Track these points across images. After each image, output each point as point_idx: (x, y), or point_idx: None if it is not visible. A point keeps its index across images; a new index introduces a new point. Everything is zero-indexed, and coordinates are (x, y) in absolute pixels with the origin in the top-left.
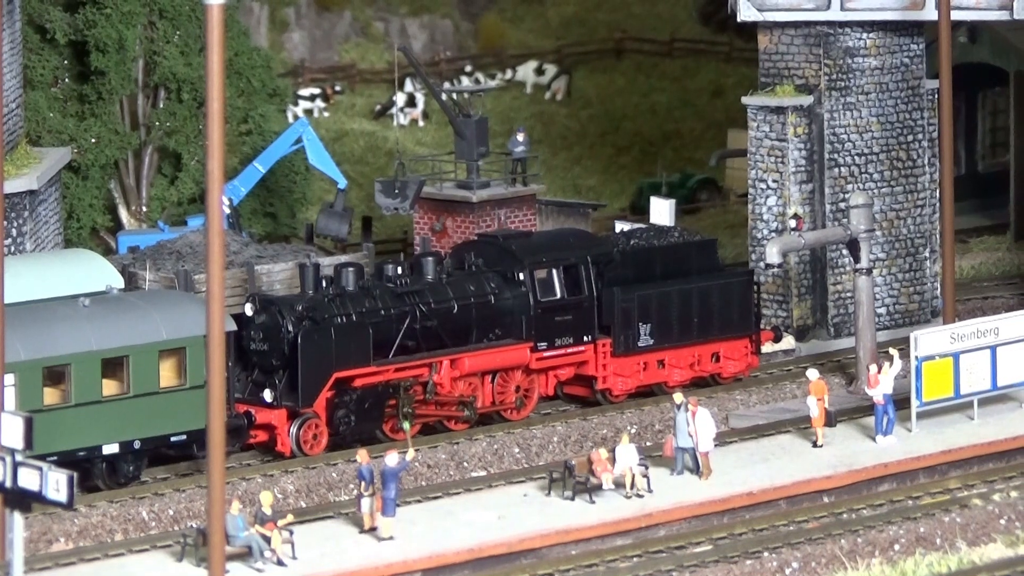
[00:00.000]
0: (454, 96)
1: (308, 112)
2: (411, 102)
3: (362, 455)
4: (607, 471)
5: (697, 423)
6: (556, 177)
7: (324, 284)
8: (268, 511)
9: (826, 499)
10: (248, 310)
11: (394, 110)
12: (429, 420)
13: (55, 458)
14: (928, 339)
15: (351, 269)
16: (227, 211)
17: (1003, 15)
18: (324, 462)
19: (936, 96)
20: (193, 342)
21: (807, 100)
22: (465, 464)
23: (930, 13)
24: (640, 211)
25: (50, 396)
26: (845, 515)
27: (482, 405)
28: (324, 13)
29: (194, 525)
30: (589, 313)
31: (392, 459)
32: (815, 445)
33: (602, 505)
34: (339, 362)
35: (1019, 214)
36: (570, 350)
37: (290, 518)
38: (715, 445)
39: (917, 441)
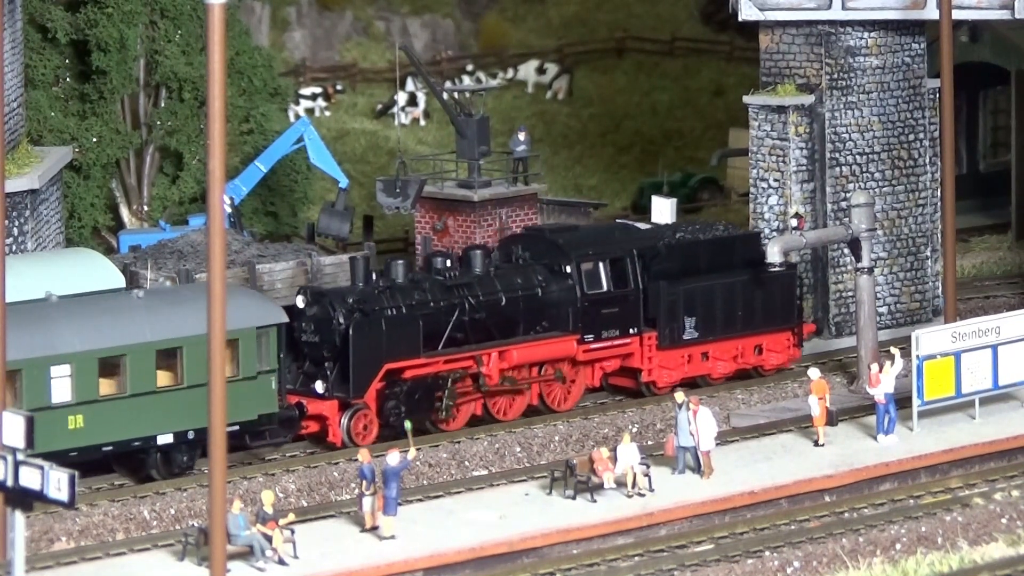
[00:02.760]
0: (455, 95)
1: (309, 111)
2: (412, 101)
3: (363, 454)
4: (608, 470)
5: (698, 422)
6: (557, 176)
7: (374, 276)
8: (269, 510)
9: (827, 498)
10: (300, 302)
11: (395, 109)
12: (485, 410)
13: (111, 448)
14: (929, 338)
15: (400, 262)
16: (228, 210)
17: (1004, 14)
18: (326, 461)
19: (937, 95)
20: (245, 334)
21: (808, 99)
22: (466, 463)
23: (931, 12)
24: (642, 210)
25: (105, 387)
26: (847, 514)
27: (531, 399)
28: (325, 12)
29: (195, 524)
30: (635, 306)
31: (394, 458)
32: (816, 444)
33: (603, 504)
34: (390, 354)
35: (1020, 213)
36: (616, 342)
37: (291, 517)
38: (716, 444)
39: (918, 440)
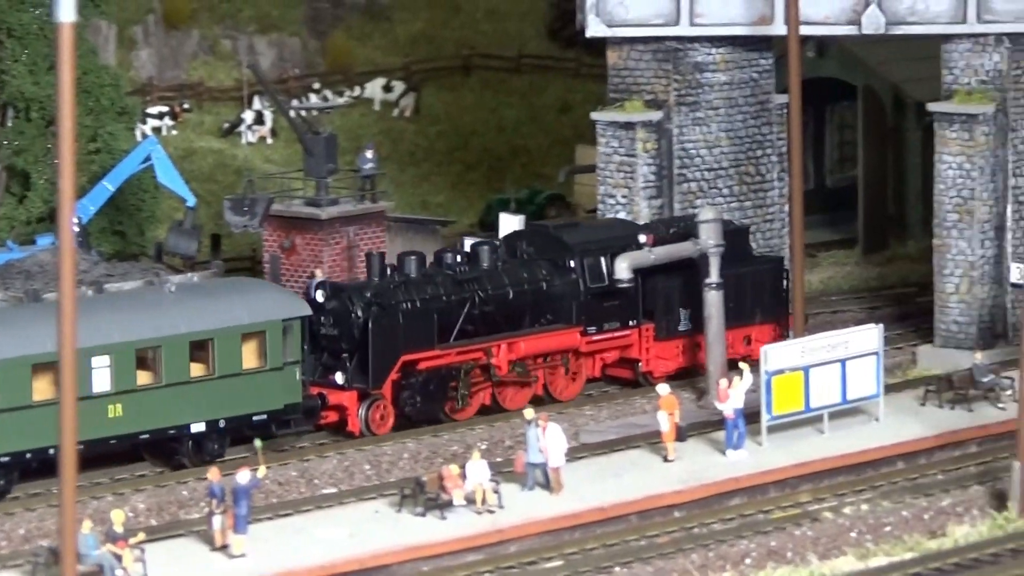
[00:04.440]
0: (302, 113)
1: (157, 130)
2: (259, 120)
3: (213, 473)
4: (458, 487)
5: (548, 438)
6: (405, 194)
7: (389, 271)
8: (120, 529)
9: (677, 513)
10: (319, 296)
11: (242, 128)
12: (487, 400)
13: (147, 436)
14: (778, 353)
15: (413, 257)
16: (76, 230)
17: (851, 30)
18: (175, 480)
19: (785, 111)
20: (272, 326)
21: (656, 115)
22: (316, 481)
23: (779, 28)
24: (489, 227)
25: (142, 377)
26: (696, 529)
27: (536, 388)
28: (172, 31)
29: (45, 544)
30: (634, 299)
31: (243, 476)
32: (666, 460)
33: (453, 521)
34: (406, 346)
35: (868, 228)
36: (616, 334)
37: (141, 536)
38: (566, 460)
39: (768, 455)
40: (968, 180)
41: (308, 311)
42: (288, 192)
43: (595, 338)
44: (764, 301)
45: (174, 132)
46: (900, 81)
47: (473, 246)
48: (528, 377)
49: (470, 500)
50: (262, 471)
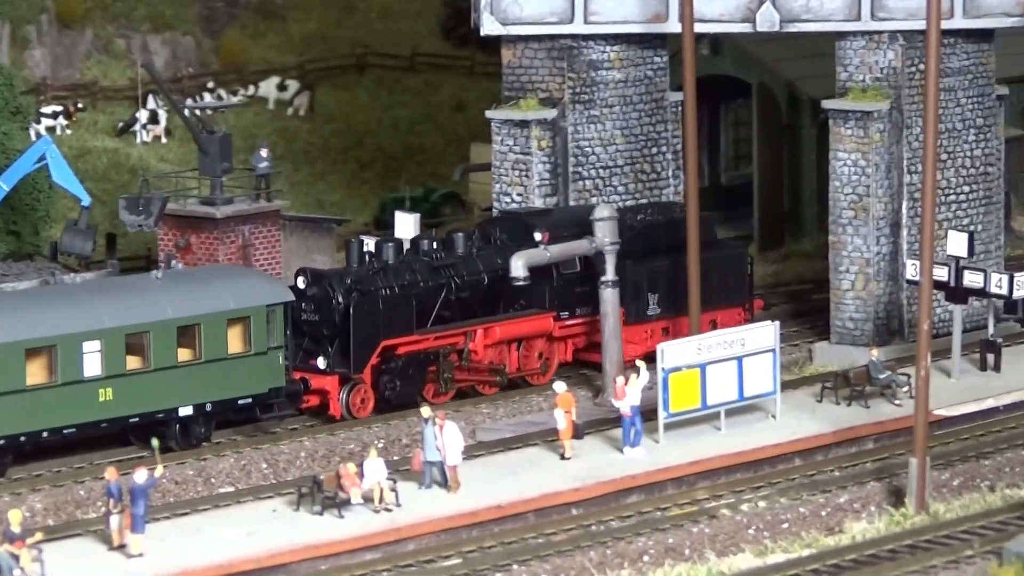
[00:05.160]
0: (197, 112)
1: (51, 130)
2: (154, 119)
3: (110, 472)
4: (355, 486)
5: (445, 437)
6: (300, 193)
7: (367, 258)
8: (17, 529)
9: (575, 511)
10: (300, 283)
11: (137, 127)
12: (464, 385)
13: (136, 419)
14: (674, 350)
15: (391, 244)
16: None
17: (746, 27)
18: (72, 479)
19: (680, 108)
20: (255, 311)
21: (551, 113)
22: (213, 480)
23: (673, 25)
24: (384, 226)
25: (132, 362)
26: (594, 527)
27: (509, 371)
28: (65, 30)
29: None
30: None
31: (140, 476)
32: (563, 458)
33: (351, 520)
34: (386, 331)
35: (763, 226)
36: (588, 319)
37: (39, 536)
38: (463, 458)
39: (665, 452)
40: (863, 177)
41: (291, 297)
42: (183, 191)
43: (568, 323)
44: (729, 286)
45: (68, 131)
46: (795, 79)
47: (448, 232)
48: (500, 376)
49: (367, 499)
50: (159, 470)
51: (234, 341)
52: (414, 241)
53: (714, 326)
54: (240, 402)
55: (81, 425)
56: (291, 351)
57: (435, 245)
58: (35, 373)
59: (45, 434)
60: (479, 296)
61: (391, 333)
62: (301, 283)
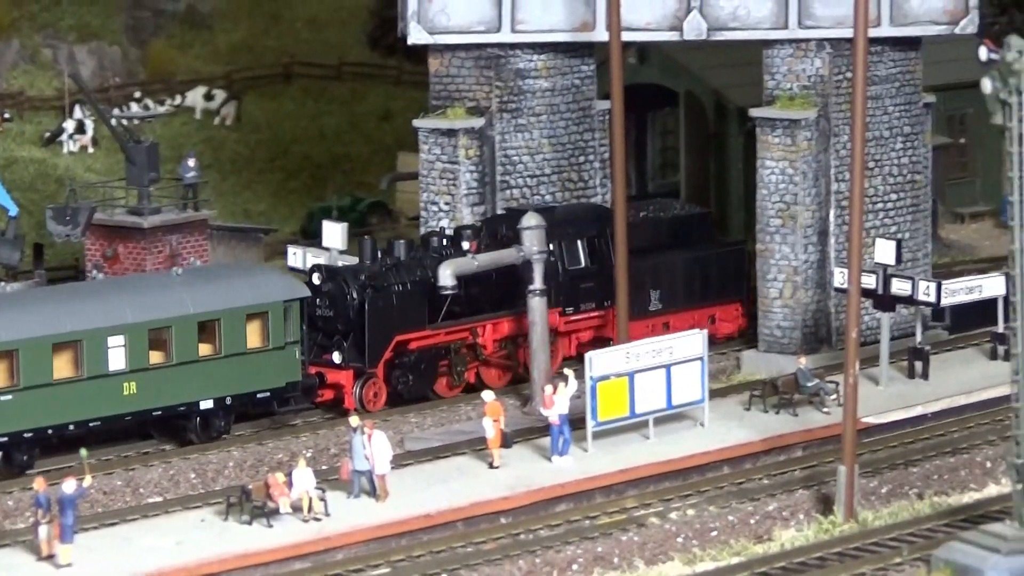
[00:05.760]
0: (124, 122)
1: None
2: (81, 129)
3: (38, 482)
4: (284, 495)
5: (373, 446)
6: (227, 202)
7: (380, 255)
8: None
9: (503, 520)
10: (315, 279)
11: (64, 137)
12: (471, 378)
13: (160, 412)
14: (603, 359)
15: (402, 241)
16: None
17: (673, 36)
18: (0, 490)
19: (607, 117)
20: (273, 307)
21: (478, 122)
22: (141, 490)
23: (600, 34)
24: (311, 235)
25: (154, 356)
26: (523, 536)
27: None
28: None
29: None
30: (608, 280)
31: (69, 486)
32: (491, 466)
33: (280, 529)
34: (400, 326)
35: None
36: (592, 314)
37: None
38: (392, 468)
39: (593, 461)
40: (791, 185)
41: (307, 293)
42: (111, 201)
43: (572, 318)
44: (727, 282)
45: None
46: (722, 87)
47: (457, 230)
48: (512, 361)
49: (296, 508)
50: (88, 480)
51: (253, 336)
52: (424, 238)
53: (712, 321)
54: (259, 396)
55: (106, 418)
56: (306, 346)
57: (445, 242)
58: (62, 367)
59: (71, 427)
60: (488, 292)
61: (404, 328)
62: (316, 279)
